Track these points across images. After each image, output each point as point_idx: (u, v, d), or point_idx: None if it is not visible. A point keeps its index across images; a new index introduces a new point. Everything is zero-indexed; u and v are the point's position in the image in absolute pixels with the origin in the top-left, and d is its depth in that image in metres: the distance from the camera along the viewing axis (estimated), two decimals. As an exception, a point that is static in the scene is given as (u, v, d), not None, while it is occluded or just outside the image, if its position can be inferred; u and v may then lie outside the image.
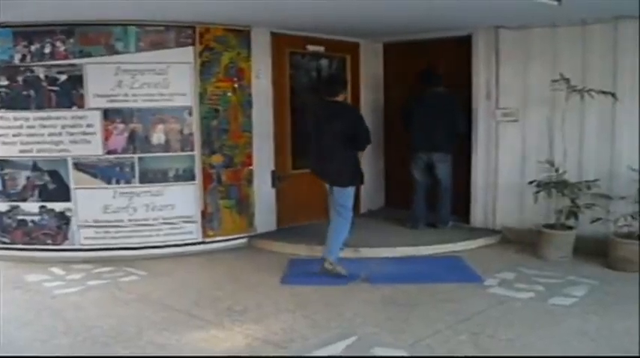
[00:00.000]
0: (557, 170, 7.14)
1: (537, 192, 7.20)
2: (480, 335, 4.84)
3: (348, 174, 6.66)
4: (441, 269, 6.82)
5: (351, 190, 6.68)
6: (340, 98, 6.86)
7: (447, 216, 8.36)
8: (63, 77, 7.06)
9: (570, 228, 7.13)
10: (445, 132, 8.06)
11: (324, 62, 9.06)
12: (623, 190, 6.90)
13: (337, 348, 4.60)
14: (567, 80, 6.92)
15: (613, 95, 6.87)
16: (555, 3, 5.92)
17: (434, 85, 8.19)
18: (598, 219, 6.94)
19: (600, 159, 7.24)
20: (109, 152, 7.18)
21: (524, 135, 7.81)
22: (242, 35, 7.67)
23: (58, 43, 7.02)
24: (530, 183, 7.33)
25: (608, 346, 4.64)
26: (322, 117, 6.72)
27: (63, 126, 7.09)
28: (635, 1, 6.17)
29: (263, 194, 8.01)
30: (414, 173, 8.40)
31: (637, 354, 4.48)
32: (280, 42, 8.14)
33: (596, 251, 6.97)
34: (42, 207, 7.20)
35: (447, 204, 8.36)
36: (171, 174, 7.38)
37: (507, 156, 7.96)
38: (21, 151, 7.15)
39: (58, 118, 7.08)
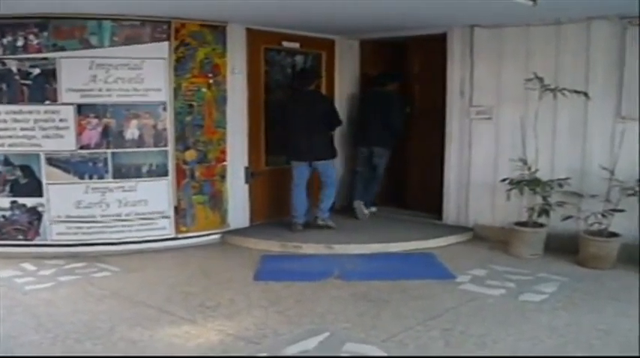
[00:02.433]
0: (529, 168, 7.20)
1: (510, 189, 7.26)
2: (451, 331, 4.88)
3: (329, 148, 8.20)
4: (413, 266, 6.86)
5: (332, 162, 8.26)
6: (313, 87, 8.27)
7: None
8: (36, 71, 6.98)
9: (542, 225, 7.20)
10: (384, 128, 8.70)
11: (299, 58, 9.10)
12: (594, 188, 6.97)
13: (309, 344, 4.61)
14: (541, 79, 6.97)
15: (585, 94, 6.94)
16: (530, 3, 5.96)
17: (380, 85, 8.85)
18: (569, 217, 7.00)
19: (572, 158, 7.32)
20: (82, 147, 7.12)
21: (497, 133, 7.87)
22: (218, 31, 7.65)
23: (31, 37, 6.94)
24: (503, 180, 7.38)
25: (577, 341, 4.70)
26: (302, 104, 8.02)
27: (35, 121, 7.00)
28: (607, 3, 6.28)
29: (236, 190, 8.01)
30: (357, 166, 9.02)
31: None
32: (256, 38, 8.13)
33: (566, 248, 7.05)
34: (13, 202, 7.12)
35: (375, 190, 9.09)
36: (144, 169, 7.34)
37: (480, 154, 8.02)
38: (-8, 146, 7.08)
39: (30, 112, 6.99)
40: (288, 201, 8.10)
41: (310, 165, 8.08)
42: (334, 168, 8.40)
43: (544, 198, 7.09)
